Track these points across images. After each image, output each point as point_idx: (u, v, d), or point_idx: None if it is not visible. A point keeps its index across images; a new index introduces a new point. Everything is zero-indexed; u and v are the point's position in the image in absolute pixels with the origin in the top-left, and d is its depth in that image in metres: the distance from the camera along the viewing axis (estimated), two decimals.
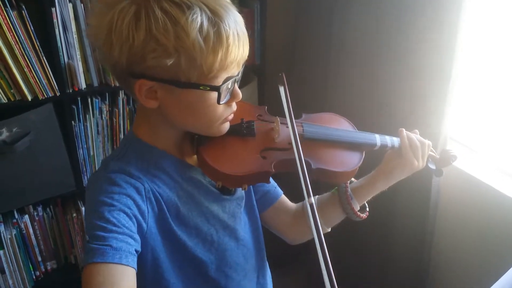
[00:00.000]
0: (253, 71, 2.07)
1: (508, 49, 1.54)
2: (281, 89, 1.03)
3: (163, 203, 0.93)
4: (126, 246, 0.81)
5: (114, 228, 0.82)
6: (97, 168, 1.87)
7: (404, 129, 1.12)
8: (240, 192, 1.07)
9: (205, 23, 0.81)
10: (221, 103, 0.88)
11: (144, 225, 0.89)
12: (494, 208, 1.57)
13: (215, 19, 0.82)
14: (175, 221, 0.95)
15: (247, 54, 0.89)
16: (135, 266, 0.82)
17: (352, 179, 1.13)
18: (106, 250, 0.79)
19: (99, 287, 0.75)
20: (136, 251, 0.84)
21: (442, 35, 1.49)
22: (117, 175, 0.89)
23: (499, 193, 1.54)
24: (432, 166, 1.20)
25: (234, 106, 0.95)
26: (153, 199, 0.91)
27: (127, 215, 0.85)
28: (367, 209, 1.16)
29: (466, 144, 1.74)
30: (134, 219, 0.86)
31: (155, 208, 0.92)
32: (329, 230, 1.16)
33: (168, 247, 0.95)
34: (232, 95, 0.92)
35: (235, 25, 0.85)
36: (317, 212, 1.12)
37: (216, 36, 0.82)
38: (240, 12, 0.90)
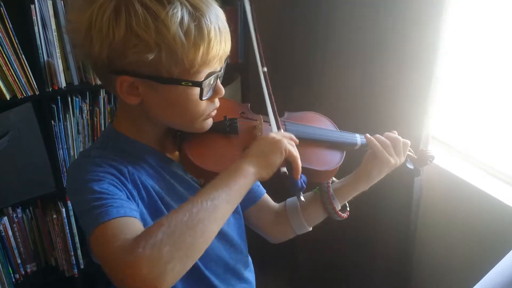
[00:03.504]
0: (236, 70, 2.06)
1: (491, 48, 1.56)
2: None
3: (150, 188, 0.93)
4: (126, 204, 0.81)
5: (109, 196, 0.81)
6: None
7: (368, 134, 1.14)
8: None
9: (186, 18, 0.81)
10: (203, 99, 0.88)
11: (135, 203, 0.88)
12: (475, 206, 1.58)
13: (196, 13, 0.82)
14: (163, 206, 0.94)
15: (229, 49, 0.89)
16: (141, 221, 0.81)
17: (334, 178, 1.15)
18: (108, 210, 0.77)
19: (112, 236, 0.73)
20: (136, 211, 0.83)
21: (425, 34, 1.50)
22: (100, 159, 0.89)
23: (480, 191, 1.55)
24: (410, 166, 1.22)
25: (217, 102, 0.95)
26: (138, 182, 0.91)
27: (117, 188, 0.84)
28: (348, 208, 1.18)
29: (448, 143, 1.76)
30: (124, 193, 0.85)
31: (141, 191, 0.91)
32: (310, 229, 1.17)
33: None
34: (215, 91, 0.92)
35: (217, 20, 0.85)
36: (300, 211, 1.14)
37: (197, 31, 0.82)
38: (223, 10, 0.90)
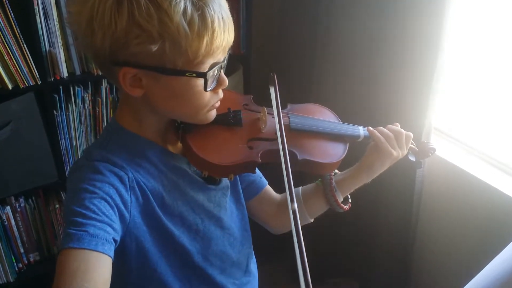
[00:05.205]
0: (238, 60, 2.05)
1: (494, 41, 1.55)
2: (272, 89, 1.01)
3: (148, 192, 0.91)
4: (103, 234, 0.79)
5: (93, 215, 0.80)
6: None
7: (370, 126, 1.14)
8: (225, 181, 1.06)
9: (189, 7, 0.79)
10: (207, 90, 0.87)
11: (127, 215, 0.87)
12: (477, 197, 1.59)
13: (199, 3, 0.80)
14: (161, 209, 0.93)
15: (232, 39, 0.87)
16: (112, 254, 0.79)
17: (336, 171, 1.14)
18: (82, 235, 0.76)
19: (72, 273, 0.73)
20: (114, 240, 0.81)
21: (428, 26, 1.49)
22: (100, 164, 0.88)
23: (482, 182, 1.56)
24: (412, 158, 1.22)
25: (220, 93, 0.94)
26: (137, 188, 0.90)
27: (108, 203, 0.83)
28: (350, 200, 1.17)
29: (451, 134, 1.76)
30: (115, 208, 0.84)
31: (139, 198, 0.90)
32: (312, 220, 1.17)
33: (156, 236, 0.93)
34: (219, 81, 0.90)
35: (220, 9, 0.83)
36: (302, 203, 1.13)
37: (200, 20, 0.80)
38: None
